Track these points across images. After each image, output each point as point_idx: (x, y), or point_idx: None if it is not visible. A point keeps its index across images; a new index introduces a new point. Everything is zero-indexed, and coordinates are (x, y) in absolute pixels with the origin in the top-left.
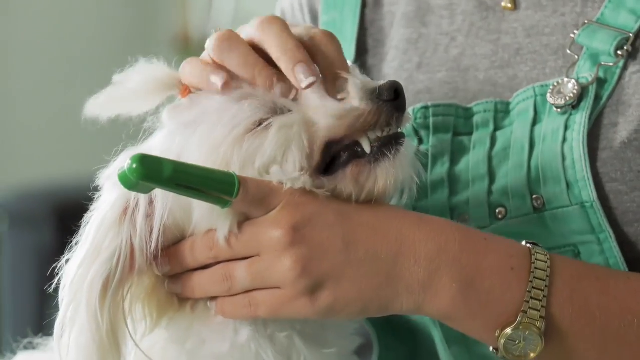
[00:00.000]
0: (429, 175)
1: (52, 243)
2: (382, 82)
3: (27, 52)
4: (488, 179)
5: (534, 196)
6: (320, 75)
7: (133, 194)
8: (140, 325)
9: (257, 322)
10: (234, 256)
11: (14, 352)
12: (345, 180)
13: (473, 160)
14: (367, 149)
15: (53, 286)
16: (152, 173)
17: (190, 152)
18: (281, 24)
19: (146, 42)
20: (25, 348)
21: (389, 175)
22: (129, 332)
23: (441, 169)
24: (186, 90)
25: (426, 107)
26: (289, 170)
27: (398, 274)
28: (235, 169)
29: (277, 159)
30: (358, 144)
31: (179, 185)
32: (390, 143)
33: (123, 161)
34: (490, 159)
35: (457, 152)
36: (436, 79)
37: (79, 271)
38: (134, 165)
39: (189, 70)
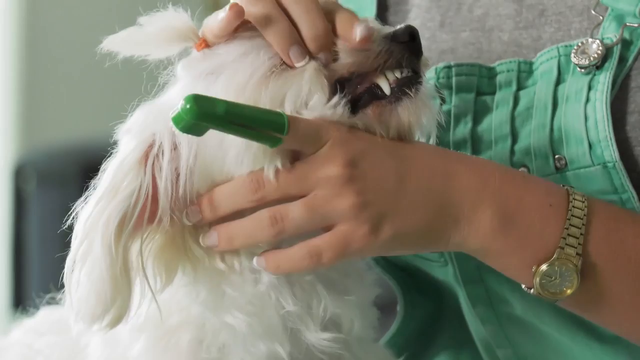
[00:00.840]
0: (451, 135)
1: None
2: (398, 27)
3: (52, 12)
4: (511, 139)
5: (557, 156)
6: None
7: (156, 138)
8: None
9: None
10: (284, 196)
11: (37, 308)
12: (368, 119)
13: (496, 120)
14: (386, 89)
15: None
16: (206, 112)
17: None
18: (263, 3)
19: None
20: (48, 303)
21: (411, 112)
22: (149, 283)
23: (464, 129)
24: (202, 43)
25: (449, 67)
26: (322, 104)
27: (446, 208)
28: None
29: (305, 96)
30: (378, 86)
31: (231, 124)
32: (410, 83)
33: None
34: (513, 118)
35: (479, 112)
36: (460, 39)
37: (95, 209)
38: (188, 105)
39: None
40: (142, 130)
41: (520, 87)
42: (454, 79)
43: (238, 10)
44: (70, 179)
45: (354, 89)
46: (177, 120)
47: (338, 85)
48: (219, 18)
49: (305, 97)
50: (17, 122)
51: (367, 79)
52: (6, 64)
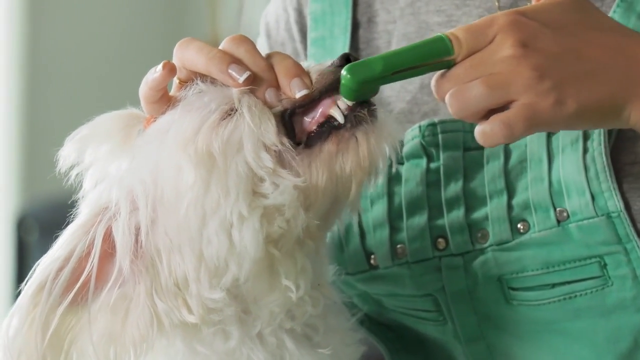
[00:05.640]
0: (442, 193)
1: None
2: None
3: (57, 58)
4: (506, 194)
5: (558, 209)
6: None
7: (112, 203)
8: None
9: (246, 322)
10: (465, 77)
11: None
12: (323, 154)
13: (488, 175)
14: (339, 117)
15: None
16: (365, 74)
17: (166, 154)
18: (195, 43)
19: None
20: None
21: (369, 138)
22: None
23: (455, 186)
24: (149, 119)
25: (433, 124)
26: (275, 134)
27: (626, 82)
28: (217, 155)
29: (260, 133)
30: (332, 118)
31: (396, 73)
32: (362, 108)
33: None
34: (506, 172)
35: (469, 168)
36: None
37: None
38: (348, 76)
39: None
40: (97, 198)
41: None
42: (439, 136)
43: (171, 67)
44: None
45: (307, 123)
46: (344, 93)
47: (288, 118)
48: (151, 78)
49: (261, 134)
50: (19, 173)
51: (321, 112)
52: (8, 115)
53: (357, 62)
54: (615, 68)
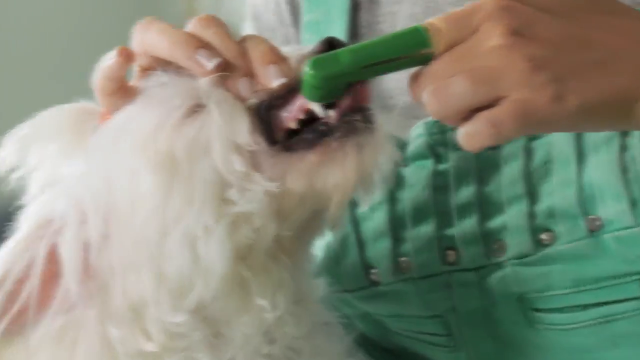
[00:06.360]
0: (452, 199)
1: None
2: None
3: (16, 39)
4: (528, 200)
5: (590, 217)
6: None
7: (56, 216)
8: None
9: (217, 348)
10: (446, 72)
11: None
12: (304, 163)
13: (506, 178)
14: (319, 112)
15: None
16: (329, 69)
17: (121, 157)
18: (157, 24)
19: None
20: None
21: (362, 152)
22: None
23: (467, 191)
24: (105, 114)
25: None
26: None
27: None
28: (180, 157)
29: (231, 129)
30: (316, 120)
31: (366, 67)
32: (355, 112)
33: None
34: (528, 175)
35: (484, 170)
36: None
37: None
38: (311, 72)
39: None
40: (40, 209)
41: (532, 137)
42: (448, 134)
43: (128, 53)
44: None
45: (285, 119)
46: (307, 93)
47: (264, 112)
48: (105, 66)
49: (231, 133)
50: None
51: (299, 106)
52: None
53: (322, 55)
54: (629, 57)
